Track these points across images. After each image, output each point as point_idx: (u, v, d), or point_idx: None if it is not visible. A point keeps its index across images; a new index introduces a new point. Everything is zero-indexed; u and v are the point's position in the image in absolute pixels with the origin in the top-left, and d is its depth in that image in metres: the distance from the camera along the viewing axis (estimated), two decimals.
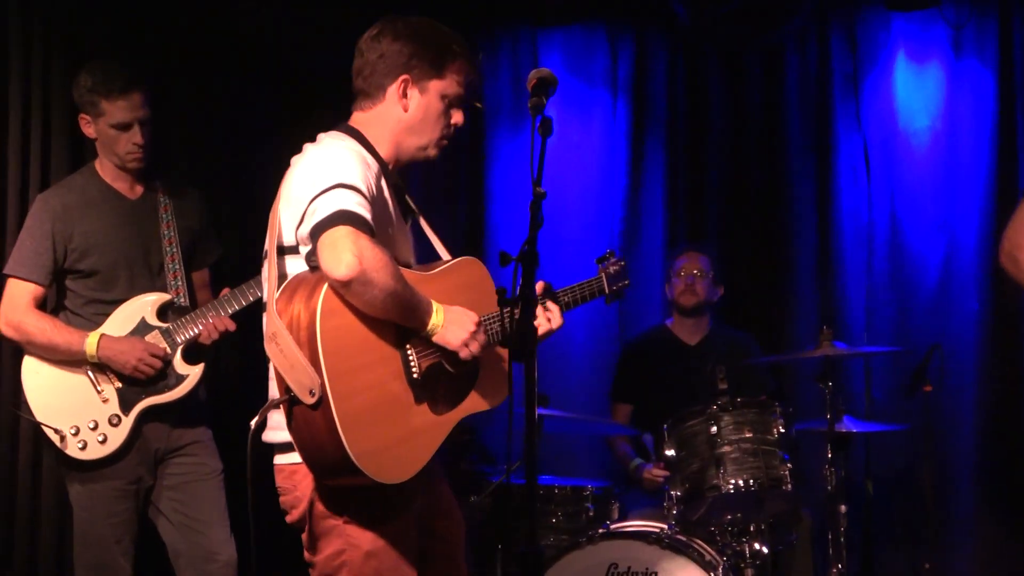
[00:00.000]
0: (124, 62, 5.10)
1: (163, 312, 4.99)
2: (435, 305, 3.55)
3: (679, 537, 5.30)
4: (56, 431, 4.81)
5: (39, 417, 4.85)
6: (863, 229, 7.07)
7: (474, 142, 7.47)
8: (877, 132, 7.09)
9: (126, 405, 4.87)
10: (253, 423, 3.49)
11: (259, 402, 3.54)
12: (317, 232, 3.39)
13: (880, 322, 6.99)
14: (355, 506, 3.54)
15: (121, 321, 4.93)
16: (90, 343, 4.82)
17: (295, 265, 3.59)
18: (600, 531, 5.40)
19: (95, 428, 4.83)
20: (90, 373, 4.86)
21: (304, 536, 3.64)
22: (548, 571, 5.25)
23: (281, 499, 3.66)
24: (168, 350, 4.92)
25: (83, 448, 4.82)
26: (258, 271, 4.31)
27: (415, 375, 3.54)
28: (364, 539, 3.55)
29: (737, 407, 5.51)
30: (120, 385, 4.88)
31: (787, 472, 5.43)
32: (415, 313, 3.51)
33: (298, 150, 3.72)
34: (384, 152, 3.75)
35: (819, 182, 7.21)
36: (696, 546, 5.27)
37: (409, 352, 3.55)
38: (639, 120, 7.46)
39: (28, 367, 4.90)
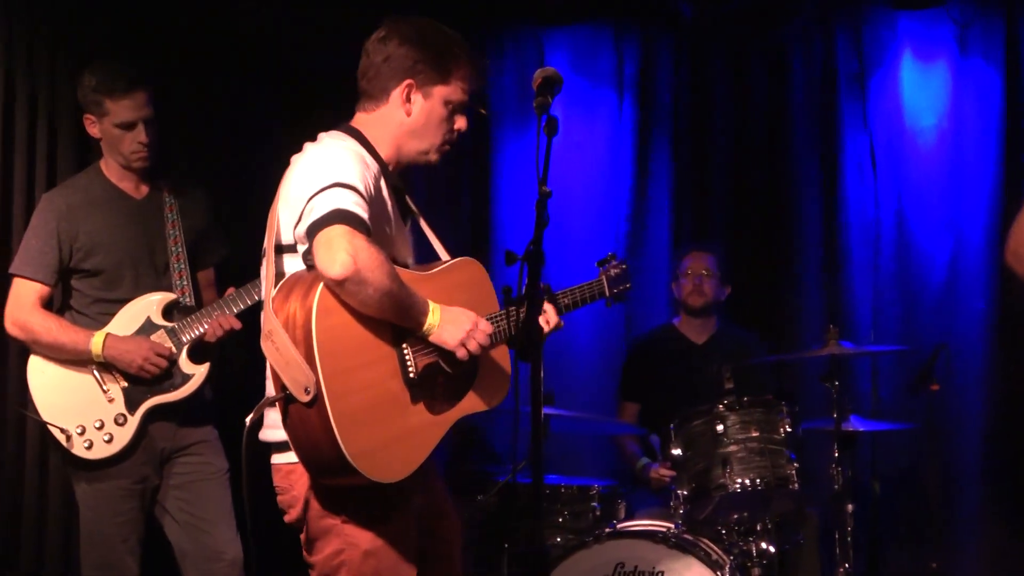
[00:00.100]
0: (128, 62, 5.10)
1: (168, 311, 4.99)
2: (432, 305, 3.55)
3: (686, 536, 5.30)
4: (62, 430, 4.81)
5: (45, 416, 4.85)
6: (869, 228, 7.06)
7: (479, 141, 7.46)
8: (883, 131, 7.08)
9: (132, 404, 4.87)
10: (248, 420, 3.49)
11: None
12: (313, 231, 3.39)
13: (886, 321, 6.97)
14: (353, 505, 3.55)
15: (127, 320, 4.93)
16: (95, 342, 4.82)
17: (293, 264, 3.59)
18: (606, 530, 5.40)
19: (101, 427, 4.83)
20: (96, 372, 4.86)
21: (302, 536, 3.64)
22: (555, 570, 5.25)
23: (279, 498, 3.66)
24: (174, 349, 4.92)
25: (89, 447, 4.82)
26: None
27: (412, 374, 3.54)
28: (363, 538, 3.55)
29: (743, 406, 5.51)
30: (126, 384, 4.88)
31: (793, 471, 5.44)
32: (411, 313, 3.51)
33: (300, 149, 3.72)
34: (385, 153, 3.75)
35: (825, 181, 7.20)
36: (703, 545, 5.27)
37: (406, 351, 3.54)
38: (644, 119, 7.45)
39: (34, 366, 4.90)
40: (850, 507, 5.60)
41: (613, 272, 4.25)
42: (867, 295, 7.04)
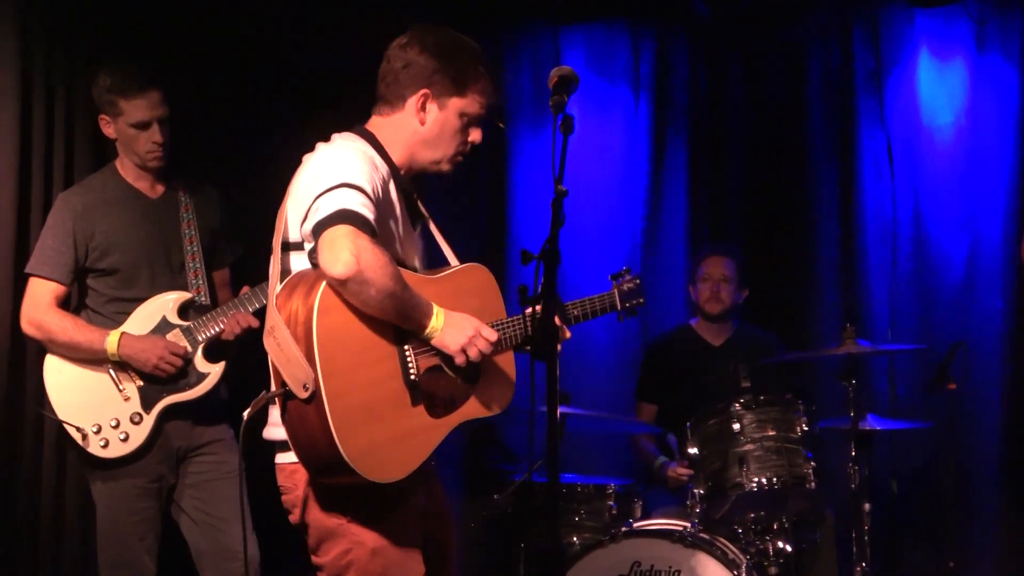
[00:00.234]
0: (141, 62, 5.11)
1: (184, 310, 5.00)
2: (436, 308, 3.55)
3: (702, 535, 5.30)
4: (78, 429, 4.82)
5: (61, 415, 4.86)
6: (887, 226, 7.03)
7: (496, 140, 7.46)
8: (901, 129, 7.05)
9: (147, 403, 4.89)
10: (246, 414, 3.51)
11: None
12: (318, 230, 3.40)
13: (904, 319, 6.95)
14: (354, 505, 3.55)
15: (142, 319, 4.94)
16: (111, 341, 4.83)
17: (299, 262, 3.60)
18: (623, 529, 5.40)
19: (117, 426, 4.84)
20: (112, 371, 4.87)
21: (308, 538, 3.64)
22: (571, 569, 5.26)
23: (283, 498, 3.67)
24: (189, 348, 4.92)
25: (105, 446, 4.83)
26: None
27: (413, 376, 3.54)
28: (368, 537, 3.55)
29: (760, 405, 5.50)
30: (141, 383, 4.89)
31: (810, 470, 5.42)
32: (413, 315, 3.51)
33: (313, 149, 3.73)
34: (397, 158, 3.76)
35: (842, 179, 7.18)
36: (719, 544, 5.27)
37: (408, 353, 3.54)
38: (661, 117, 7.44)
39: (50, 366, 4.92)
40: (867, 506, 5.58)
41: (626, 286, 4.23)
42: (884, 294, 7.02)
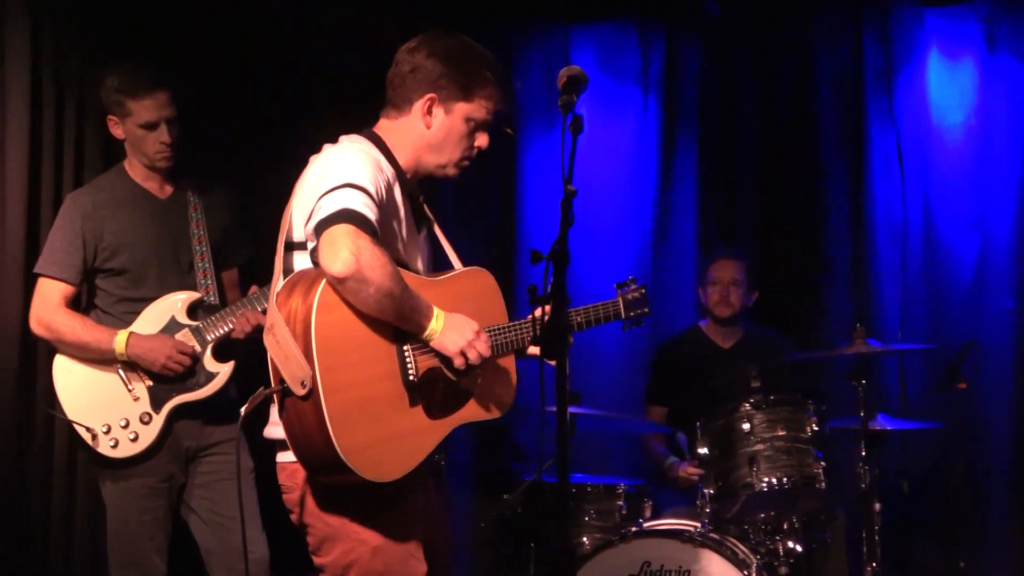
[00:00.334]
0: (149, 62, 5.11)
1: (193, 310, 5.00)
2: (436, 310, 3.56)
3: (712, 535, 5.30)
4: (88, 429, 4.83)
5: (71, 415, 4.87)
6: (897, 226, 7.02)
7: (506, 141, 7.43)
8: (910, 128, 7.04)
9: (157, 403, 4.89)
10: (243, 410, 3.52)
11: None
12: (320, 229, 3.41)
13: (914, 319, 6.93)
14: (354, 504, 3.55)
15: (151, 319, 4.94)
16: (119, 341, 4.83)
17: (302, 261, 3.61)
18: (633, 529, 5.41)
19: (126, 426, 4.85)
20: (121, 371, 4.88)
21: (308, 538, 3.64)
22: (581, 569, 5.26)
23: (284, 497, 3.67)
24: (198, 348, 4.93)
25: (115, 446, 4.84)
26: None
27: (412, 377, 3.54)
28: (369, 536, 3.56)
29: (770, 405, 5.49)
30: (151, 383, 4.89)
31: (821, 470, 5.41)
32: (412, 316, 3.51)
33: (320, 150, 3.74)
34: (403, 162, 3.77)
35: (852, 179, 7.16)
36: (729, 544, 5.26)
37: (407, 353, 3.55)
38: (670, 117, 7.43)
39: (60, 366, 4.92)
40: (877, 506, 5.58)
41: (631, 296, 4.23)
42: (894, 293, 7.00)
